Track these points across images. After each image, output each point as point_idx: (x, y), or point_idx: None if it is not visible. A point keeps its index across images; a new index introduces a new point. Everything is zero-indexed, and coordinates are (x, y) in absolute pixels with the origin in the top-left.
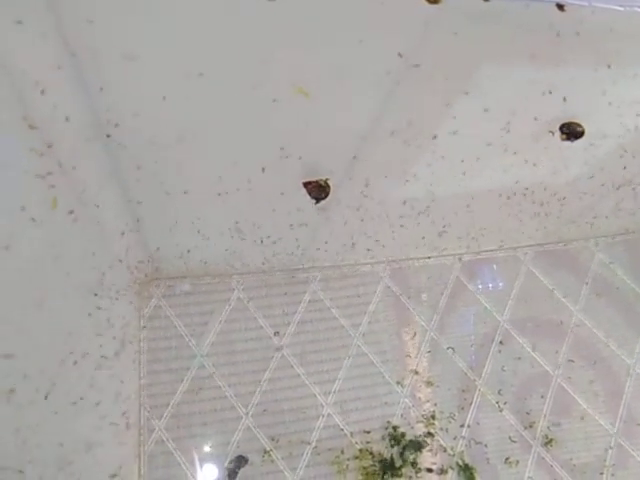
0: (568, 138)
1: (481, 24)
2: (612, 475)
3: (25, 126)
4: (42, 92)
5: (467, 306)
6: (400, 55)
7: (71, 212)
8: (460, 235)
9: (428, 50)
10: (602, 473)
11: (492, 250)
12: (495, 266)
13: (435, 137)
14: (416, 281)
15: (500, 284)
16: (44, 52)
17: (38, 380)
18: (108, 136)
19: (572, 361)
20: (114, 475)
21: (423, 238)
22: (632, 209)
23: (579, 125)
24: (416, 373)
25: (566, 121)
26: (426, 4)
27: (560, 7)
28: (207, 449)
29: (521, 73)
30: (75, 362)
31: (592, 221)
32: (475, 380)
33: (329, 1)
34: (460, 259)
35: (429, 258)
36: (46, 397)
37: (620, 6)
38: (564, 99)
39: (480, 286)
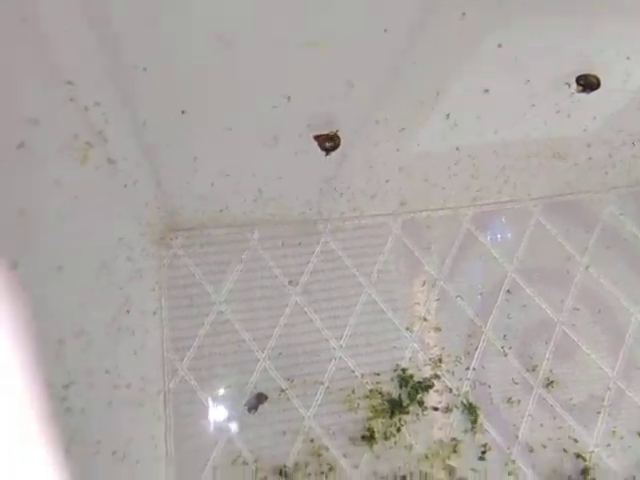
0: (584, 90)
1: None
2: (609, 414)
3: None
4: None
5: (476, 257)
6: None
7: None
8: (471, 187)
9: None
10: (599, 412)
11: (503, 202)
12: (505, 218)
13: (450, 92)
14: (427, 232)
15: (509, 235)
16: None
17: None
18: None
19: (577, 309)
20: (141, 404)
21: (435, 189)
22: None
23: (595, 77)
24: (425, 320)
25: (583, 73)
26: None
27: None
28: (227, 388)
29: (540, 28)
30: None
31: (604, 173)
32: (482, 326)
33: None
34: (470, 211)
35: (440, 210)
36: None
37: None
38: (580, 52)
39: (489, 237)
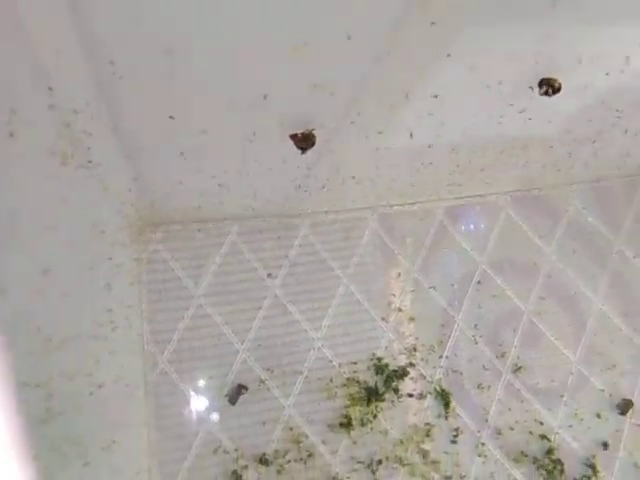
0: (546, 93)
1: None
2: (571, 398)
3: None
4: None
5: (449, 249)
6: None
7: (67, 158)
8: (444, 182)
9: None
10: (562, 396)
11: (474, 196)
12: (476, 211)
13: (419, 94)
14: (401, 226)
15: (481, 228)
16: None
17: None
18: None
19: (543, 298)
20: (130, 396)
21: (410, 185)
22: (605, 159)
23: (556, 80)
24: (400, 310)
25: (545, 77)
26: None
27: None
28: (208, 379)
29: (502, 35)
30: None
31: (568, 170)
32: (454, 316)
33: None
34: (443, 205)
35: (414, 204)
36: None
37: None
38: (543, 57)
39: (462, 230)
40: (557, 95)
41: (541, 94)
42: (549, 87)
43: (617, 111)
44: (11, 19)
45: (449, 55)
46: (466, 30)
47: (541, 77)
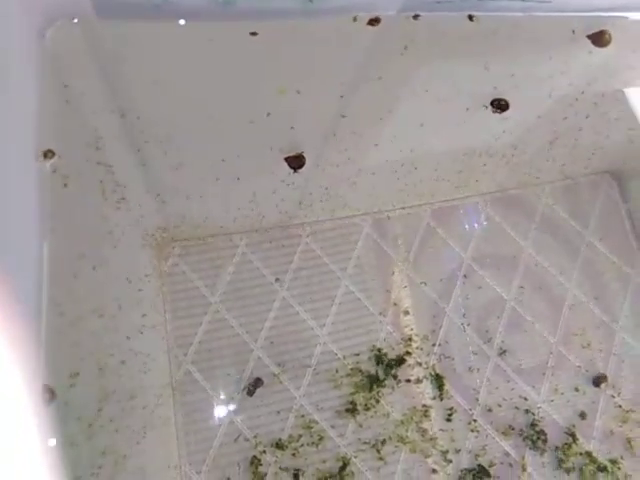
0: (497, 110)
1: (414, 38)
2: (552, 375)
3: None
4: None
5: (437, 247)
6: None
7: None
8: (428, 188)
9: (375, 62)
10: (544, 373)
11: (457, 199)
12: (459, 213)
13: (395, 115)
14: (393, 229)
15: (464, 227)
16: None
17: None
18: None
19: (523, 288)
20: (160, 395)
21: (399, 191)
22: (564, 160)
23: (505, 100)
24: (395, 305)
25: (495, 97)
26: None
27: (470, 18)
28: (227, 376)
29: (456, 68)
30: (113, 315)
31: (536, 172)
32: (444, 307)
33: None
34: (430, 208)
35: (403, 209)
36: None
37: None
38: (492, 84)
39: (448, 230)
40: (507, 112)
41: (494, 112)
42: (499, 106)
43: (564, 119)
44: None
45: (414, 87)
46: (429, 65)
47: (492, 98)
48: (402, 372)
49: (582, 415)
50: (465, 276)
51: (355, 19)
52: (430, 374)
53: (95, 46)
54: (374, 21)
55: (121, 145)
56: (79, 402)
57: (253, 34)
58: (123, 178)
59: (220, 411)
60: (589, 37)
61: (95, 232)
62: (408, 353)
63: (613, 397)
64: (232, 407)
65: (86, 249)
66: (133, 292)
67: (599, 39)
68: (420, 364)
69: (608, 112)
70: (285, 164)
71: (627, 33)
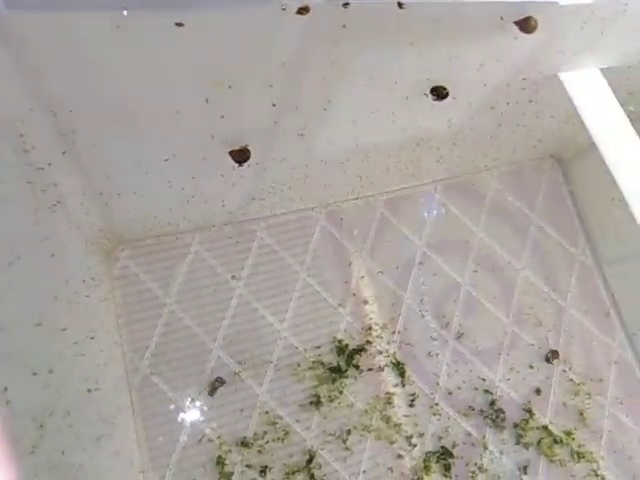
0: (437, 98)
1: (346, 26)
2: (507, 354)
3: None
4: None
5: (391, 236)
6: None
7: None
8: (380, 178)
9: (310, 52)
10: (500, 354)
11: (409, 187)
12: (412, 201)
13: (339, 105)
14: (347, 220)
15: (418, 215)
16: None
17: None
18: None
19: (476, 271)
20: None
21: (351, 182)
22: (509, 146)
23: (444, 88)
24: (354, 295)
25: (434, 85)
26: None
27: (399, 5)
28: (187, 377)
29: (391, 57)
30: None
31: (483, 158)
32: (402, 295)
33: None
34: (383, 198)
35: (357, 199)
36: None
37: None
38: (428, 72)
39: (401, 218)
40: (448, 100)
41: (434, 100)
42: (438, 94)
43: (507, 104)
44: None
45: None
46: (364, 54)
47: (430, 86)
48: (364, 362)
49: (537, 391)
50: (421, 263)
51: (283, 8)
52: (391, 362)
53: (8, 41)
54: (303, 10)
55: (50, 145)
56: (24, 411)
57: (179, 25)
58: (55, 179)
59: (181, 413)
60: (516, 23)
61: (28, 238)
62: (369, 342)
63: (565, 372)
64: (194, 409)
65: (16, 257)
66: (79, 298)
67: (525, 25)
68: (381, 352)
69: (545, 97)
70: (230, 158)
71: (556, 19)
